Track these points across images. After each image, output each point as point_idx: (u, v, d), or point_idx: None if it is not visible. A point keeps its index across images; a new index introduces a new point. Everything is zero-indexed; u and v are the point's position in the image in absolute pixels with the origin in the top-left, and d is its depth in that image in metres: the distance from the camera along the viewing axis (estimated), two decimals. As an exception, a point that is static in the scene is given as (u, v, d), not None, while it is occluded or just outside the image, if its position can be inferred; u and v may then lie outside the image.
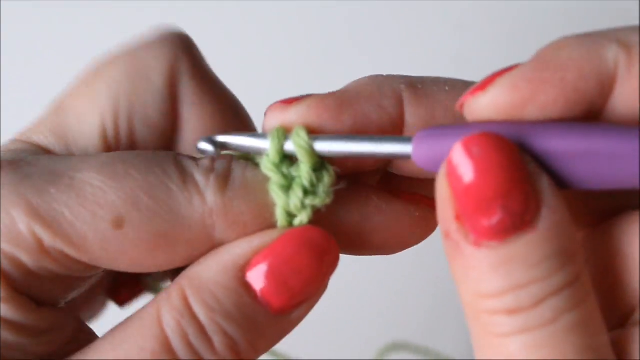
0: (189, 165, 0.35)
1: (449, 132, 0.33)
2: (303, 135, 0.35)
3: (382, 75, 0.37)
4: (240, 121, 0.44)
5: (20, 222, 0.33)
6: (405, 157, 0.35)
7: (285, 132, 0.36)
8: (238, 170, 0.36)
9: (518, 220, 0.30)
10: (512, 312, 0.30)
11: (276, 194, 0.36)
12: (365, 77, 0.37)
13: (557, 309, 0.30)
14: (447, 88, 0.36)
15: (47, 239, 0.33)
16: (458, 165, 0.31)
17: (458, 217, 0.31)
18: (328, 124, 0.36)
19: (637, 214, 0.34)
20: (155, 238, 0.34)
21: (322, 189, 0.36)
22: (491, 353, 0.31)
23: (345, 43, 0.88)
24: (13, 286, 0.34)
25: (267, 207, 0.36)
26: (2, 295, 0.33)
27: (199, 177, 0.35)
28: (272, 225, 0.36)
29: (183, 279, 0.35)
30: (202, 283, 0.34)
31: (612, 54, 0.31)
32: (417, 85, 0.36)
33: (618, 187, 0.32)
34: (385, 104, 0.36)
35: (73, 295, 0.37)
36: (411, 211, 0.37)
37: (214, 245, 0.35)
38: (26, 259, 0.33)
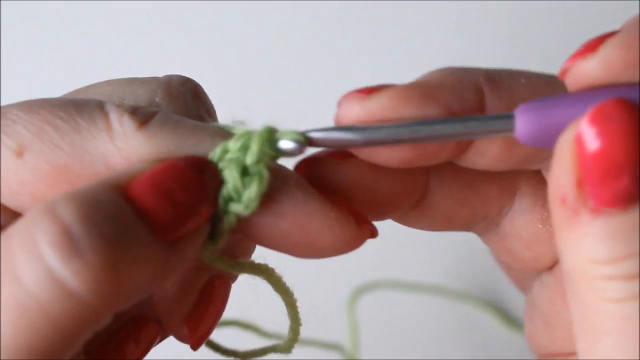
0: (108, 106, 0.35)
1: (554, 104, 0.33)
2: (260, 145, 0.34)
3: (460, 67, 0.37)
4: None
5: None
6: (506, 134, 0.34)
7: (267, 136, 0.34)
8: (161, 116, 0.35)
9: None
10: (630, 277, 0.31)
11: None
12: (444, 68, 0.37)
13: None
14: (523, 80, 0.37)
15: None
16: (587, 132, 0.31)
17: (579, 184, 0.31)
18: (411, 116, 0.35)
19: None
20: (54, 170, 0.33)
21: (247, 196, 0.34)
22: (605, 317, 0.31)
23: (345, 43, 0.88)
24: None
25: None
26: None
27: (112, 115, 0.34)
28: None
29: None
30: (75, 190, 0.31)
31: None
32: (495, 78, 0.36)
33: None
34: (467, 96, 0.35)
35: None
36: (326, 211, 0.35)
37: None
38: None
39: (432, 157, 0.37)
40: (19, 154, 0.34)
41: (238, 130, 0.35)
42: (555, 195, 0.32)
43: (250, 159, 0.34)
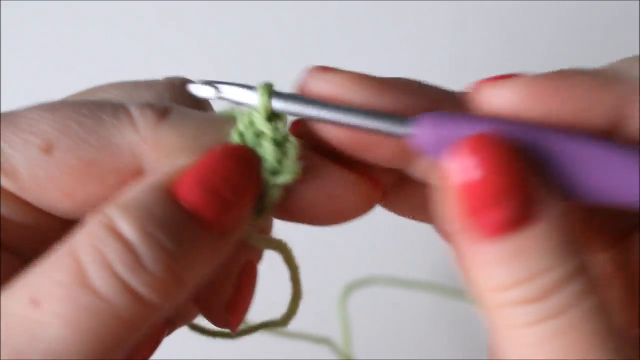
0: (127, 103, 0.36)
1: (456, 118, 0.34)
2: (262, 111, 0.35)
3: (433, 85, 0.37)
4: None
5: None
6: (402, 136, 0.35)
7: (270, 90, 0.36)
8: (178, 110, 0.36)
9: (526, 213, 0.31)
10: (530, 301, 0.31)
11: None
12: (415, 80, 0.37)
13: (574, 294, 0.31)
14: None
15: None
16: (467, 163, 0.32)
17: (468, 214, 0.32)
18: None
19: None
20: (83, 165, 0.34)
21: (288, 163, 0.35)
22: (515, 344, 0.32)
23: (344, 43, 0.89)
24: None
25: (199, 145, 0.35)
26: None
27: (133, 109, 0.35)
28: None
29: (105, 208, 0.32)
30: (128, 201, 0.32)
31: (623, 87, 0.33)
32: (455, 98, 0.36)
33: (612, 202, 0.33)
34: (420, 103, 0.36)
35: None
36: (345, 175, 0.37)
37: (142, 176, 0.35)
38: None
39: (366, 151, 0.37)
40: (47, 151, 0.34)
41: (238, 112, 0.37)
42: (449, 228, 0.33)
43: (267, 128, 0.35)
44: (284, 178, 0.35)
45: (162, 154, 0.35)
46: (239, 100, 0.37)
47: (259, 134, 0.35)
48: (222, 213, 0.33)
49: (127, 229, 0.31)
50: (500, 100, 0.34)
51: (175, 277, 0.32)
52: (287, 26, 0.89)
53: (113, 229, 0.31)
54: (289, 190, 0.36)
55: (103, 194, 0.35)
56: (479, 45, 0.88)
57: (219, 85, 0.37)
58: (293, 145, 0.35)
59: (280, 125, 0.36)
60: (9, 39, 0.86)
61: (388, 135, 0.35)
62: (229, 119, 0.37)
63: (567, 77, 0.33)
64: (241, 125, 0.36)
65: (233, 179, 0.33)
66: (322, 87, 0.36)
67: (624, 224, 0.39)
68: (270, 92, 0.36)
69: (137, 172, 0.35)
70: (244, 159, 0.34)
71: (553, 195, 0.32)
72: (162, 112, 0.35)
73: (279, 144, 0.35)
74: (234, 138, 0.36)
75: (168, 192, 0.33)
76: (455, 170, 0.32)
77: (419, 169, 0.37)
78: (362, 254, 0.78)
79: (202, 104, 0.40)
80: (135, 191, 0.33)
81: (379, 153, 0.37)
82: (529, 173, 0.32)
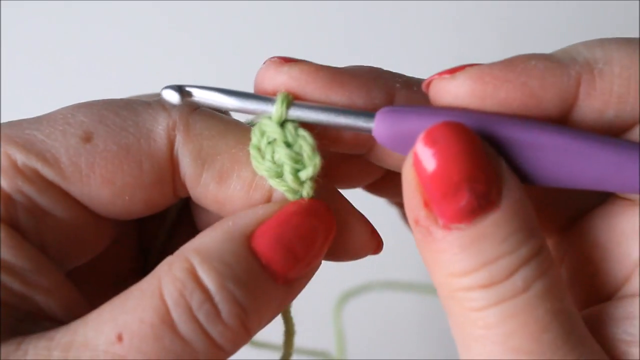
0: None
1: (412, 111, 0.35)
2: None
3: (383, 69, 0.38)
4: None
5: None
6: (366, 131, 0.35)
7: (290, 99, 0.36)
8: (206, 109, 0.38)
9: (483, 201, 0.32)
10: (486, 286, 0.32)
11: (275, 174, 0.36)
12: (367, 66, 0.38)
13: (527, 278, 0.32)
14: None
15: (20, 157, 0.35)
16: (424, 154, 0.33)
17: (426, 204, 0.33)
18: (315, 94, 0.36)
19: (615, 206, 0.37)
20: (122, 150, 0.36)
21: (306, 158, 0.36)
22: (470, 327, 0.33)
23: (344, 43, 0.89)
24: None
25: (224, 138, 0.37)
26: None
27: (166, 102, 0.37)
28: (227, 150, 0.37)
29: (186, 250, 0.35)
30: (209, 251, 0.34)
31: (575, 72, 0.34)
32: (413, 87, 0.37)
33: (563, 184, 0.35)
34: (375, 94, 0.37)
35: (77, 257, 0.38)
36: (363, 220, 0.39)
37: (174, 165, 0.37)
38: (2, 181, 0.34)
39: (334, 142, 0.38)
40: (87, 139, 0.36)
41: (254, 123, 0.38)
42: (410, 217, 0.34)
43: (276, 133, 0.36)
44: (308, 171, 0.36)
45: (191, 138, 0.36)
46: (215, 104, 0.37)
47: (271, 142, 0.36)
48: (293, 268, 0.35)
49: (208, 281, 0.33)
50: (453, 92, 0.34)
51: (247, 330, 0.34)
52: (287, 26, 0.89)
53: (196, 278, 0.33)
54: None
55: (141, 180, 0.36)
56: (479, 45, 0.88)
57: (193, 89, 0.37)
58: (306, 140, 0.36)
59: (289, 126, 0.36)
60: (9, 39, 0.86)
61: (352, 130, 0.36)
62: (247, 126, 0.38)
63: (519, 63, 0.34)
64: (255, 139, 0.37)
65: (309, 237, 0.35)
66: (279, 80, 0.37)
67: (567, 212, 0.40)
68: (289, 101, 0.36)
69: (171, 159, 0.37)
70: (321, 217, 0.36)
71: (510, 181, 0.33)
72: (193, 106, 0.37)
73: (291, 144, 0.36)
74: (253, 153, 0.37)
75: (245, 243, 0.35)
76: (415, 161, 0.33)
77: (376, 156, 0.39)
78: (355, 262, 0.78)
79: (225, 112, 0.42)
80: (214, 237, 0.35)
81: (341, 144, 0.38)
82: (487, 161, 0.33)
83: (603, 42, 0.34)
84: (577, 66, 0.34)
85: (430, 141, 0.33)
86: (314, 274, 0.37)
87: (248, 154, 0.37)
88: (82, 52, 0.87)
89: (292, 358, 0.42)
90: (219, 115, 0.38)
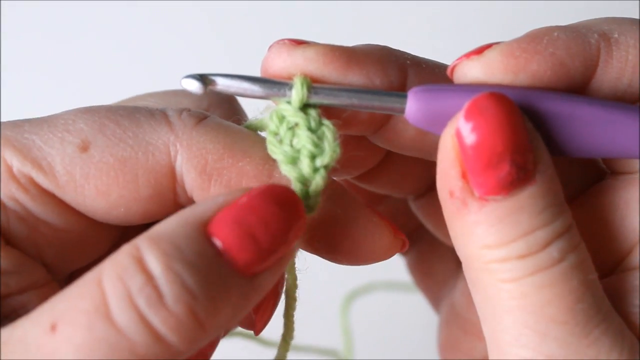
0: (165, 108, 0.36)
1: (448, 89, 0.35)
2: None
3: (391, 47, 0.38)
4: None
5: None
6: (396, 112, 0.35)
7: (309, 83, 0.36)
8: (214, 117, 0.37)
9: (522, 173, 0.33)
10: (524, 256, 0.33)
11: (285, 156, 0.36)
12: (376, 44, 0.38)
13: (562, 249, 0.33)
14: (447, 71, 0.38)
15: (16, 162, 0.34)
16: (466, 126, 0.33)
17: (464, 175, 0.33)
18: (332, 76, 0.36)
19: (616, 181, 0.37)
20: (118, 162, 0.35)
21: (327, 145, 0.36)
22: (502, 299, 0.33)
23: (344, 43, 0.88)
24: None
25: (231, 152, 0.35)
26: None
27: (171, 112, 0.36)
28: (234, 164, 0.35)
29: (139, 237, 0.32)
30: (159, 234, 0.31)
31: (594, 40, 0.35)
32: (422, 64, 0.38)
33: (602, 154, 0.35)
34: (390, 72, 0.37)
35: (67, 261, 0.37)
36: (370, 217, 0.38)
37: (174, 178, 0.35)
38: None
39: (347, 124, 0.37)
40: (84, 149, 0.35)
41: (266, 118, 0.37)
42: (443, 189, 0.34)
43: (300, 118, 0.36)
44: (325, 159, 0.35)
45: (194, 155, 0.35)
46: (238, 92, 0.36)
47: (291, 127, 0.36)
48: (254, 257, 0.32)
49: (153, 263, 0.30)
50: (485, 70, 0.35)
51: (197, 321, 0.30)
52: (287, 25, 0.89)
53: (139, 261, 0.30)
54: (332, 227, 0.37)
55: (137, 193, 0.35)
56: (479, 45, 0.87)
57: (217, 78, 0.36)
58: (329, 128, 0.36)
59: (312, 112, 0.36)
60: (9, 39, 0.86)
61: (379, 111, 0.36)
62: (260, 136, 0.37)
63: (543, 36, 0.35)
64: (272, 125, 0.36)
65: (272, 222, 0.32)
66: (293, 63, 0.36)
67: (566, 191, 0.39)
68: (309, 84, 0.36)
69: (171, 173, 0.35)
70: (287, 203, 0.33)
71: (545, 155, 0.33)
72: (199, 117, 0.36)
73: (314, 130, 0.36)
74: (269, 139, 0.36)
75: (201, 228, 0.31)
76: (457, 132, 0.33)
77: (383, 137, 0.38)
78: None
79: (239, 111, 0.41)
80: (169, 223, 0.32)
81: (354, 126, 0.38)
82: (527, 134, 0.33)
83: (615, 19, 0.36)
84: (595, 34, 0.35)
85: (476, 112, 0.33)
86: (282, 269, 0.33)
87: (255, 166, 0.36)
88: (83, 52, 0.87)
89: (299, 358, 0.41)
90: (224, 125, 0.36)
